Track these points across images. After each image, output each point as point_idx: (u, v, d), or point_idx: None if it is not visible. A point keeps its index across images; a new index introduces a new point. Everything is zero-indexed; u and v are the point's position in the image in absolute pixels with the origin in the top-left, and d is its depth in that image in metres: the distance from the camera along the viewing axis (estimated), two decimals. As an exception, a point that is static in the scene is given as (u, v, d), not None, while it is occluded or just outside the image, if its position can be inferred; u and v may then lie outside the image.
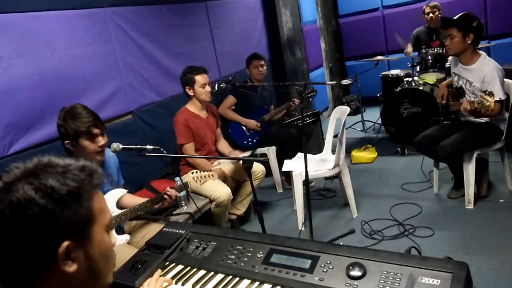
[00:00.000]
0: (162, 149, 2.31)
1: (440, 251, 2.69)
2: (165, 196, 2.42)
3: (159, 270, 1.51)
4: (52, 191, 0.75)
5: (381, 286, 1.21)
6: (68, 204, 0.77)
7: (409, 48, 5.05)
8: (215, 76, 4.38)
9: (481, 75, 2.99)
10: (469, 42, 3.02)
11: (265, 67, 4.20)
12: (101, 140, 2.21)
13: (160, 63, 3.75)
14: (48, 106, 2.72)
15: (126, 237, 2.31)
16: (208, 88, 3.30)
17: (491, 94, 2.76)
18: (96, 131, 2.18)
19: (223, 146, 3.60)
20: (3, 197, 0.74)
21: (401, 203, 3.47)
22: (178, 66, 3.80)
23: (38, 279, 0.77)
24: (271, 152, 4.11)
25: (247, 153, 3.81)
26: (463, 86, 3.16)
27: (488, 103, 2.72)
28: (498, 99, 2.90)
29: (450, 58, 3.52)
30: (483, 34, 3.27)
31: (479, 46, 3.20)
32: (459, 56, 3.14)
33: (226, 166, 3.38)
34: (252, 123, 4.06)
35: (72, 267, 0.77)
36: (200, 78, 3.28)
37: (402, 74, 5.15)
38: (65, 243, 0.76)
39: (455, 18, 3.09)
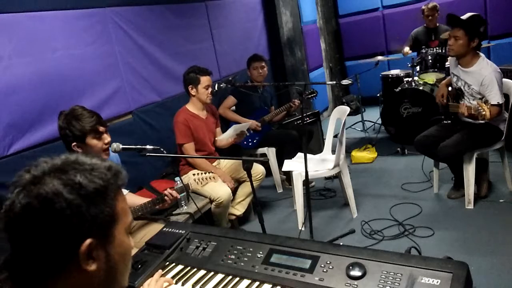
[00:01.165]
0: (162, 149, 2.31)
1: (440, 251, 2.69)
2: (165, 197, 2.42)
3: (160, 271, 1.50)
4: (80, 187, 0.76)
5: (381, 286, 1.21)
6: (94, 202, 0.77)
7: (405, 49, 5.07)
8: (215, 76, 4.36)
9: (479, 79, 2.98)
10: (473, 46, 3.00)
11: (265, 69, 4.20)
12: (107, 137, 2.23)
13: (160, 63, 3.75)
14: (48, 106, 2.73)
15: (126, 237, 2.31)
16: (210, 90, 3.31)
17: (487, 102, 2.76)
18: (101, 128, 2.20)
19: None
20: (31, 189, 0.74)
21: (401, 203, 3.47)
22: (178, 66, 3.80)
23: (57, 276, 0.76)
24: (270, 152, 4.11)
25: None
26: (462, 87, 3.15)
27: (484, 112, 2.71)
28: (496, 103, 2.89)
29: (450, 58, 3.51)
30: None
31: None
32: (459, 58, 3.12)
33: (228, 135, 3.45)
34: (252, 123, 4.06)
35: (92, 266, 0.77)
36: (204, 80, 3.28)
37: (402, 74, 5.15)
38: (88, 241, 0.76)
39: (463, 18, 3.01)
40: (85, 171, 0.78)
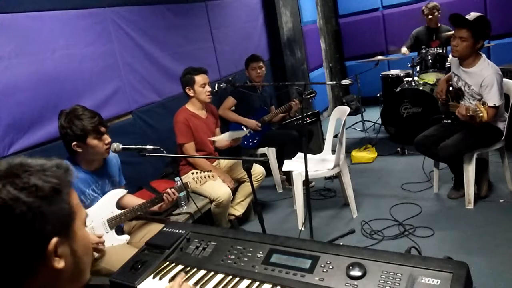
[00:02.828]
0: (162, 149, 2.31)
1: (440, 251, 2.69)
2: (164, 197, 2.41)
3: (183, 274, 1.43)
4: (36, 189, 0.76)
5: (381, 286, 1.21)
6: (53, 201, 0.77)
7: (403, 49, 5.09)
8: (215, 76, 4.38)
9: (479, 80, 2.97)
10: (477, 48, 2.97)
11: (264, 69, 4.20)
12: (107, 138, 2.23)
13: (160, 63, 3.75)
14: (48, 106, 2.72)
15: (126, 237, 2.31)
16: (208, 88, 3.30)
17: (485, 104, 2.75)
18: (103, 129, 2.21)
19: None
20: None
21: (401, 203, 3.47)
22: (178, 66, 3.80)
23: (26, 279, 0.76)
24: (270, 152, 4.11)
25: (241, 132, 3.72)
26: (462, 87, 3.15)
27: (481, 114, 2.70)
28: (493, 105, 2.87)
29: (450, 58, 3.50)
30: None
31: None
32: (462, 59, 3.09)
33: (223, 138, 3.40)
34: (252, 122, 4.06)
35: (60, 264, 0.78)
36: (199, 78, 3.28)
37: (402, 74, 5.15)
38: (54, 240, 0.76)
39: (469, 18, 2.95)
40: (37, 172, 0.78)
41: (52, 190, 0.78)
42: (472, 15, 2.98)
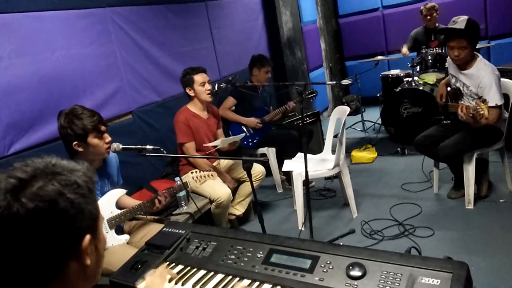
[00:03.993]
0: (162, 149, 2.31)
1: (440, 251, 2.69)
2: (156, 199, 2.40)
3: (165, 264, 1.46)
4: (77, 186, 0.79)
5: (381, 286, 1.21)
6: (88, 199, 0.81)
7: (403, 49, 5.08)
8: (215, 76, 4.38)
9: (477, 81, 2.98)
10: (475, 49, 3.01)
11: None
12: (108, 136, 2.24)
13: (160, 63, 3.76)
14: (48, 106, 2.73)
15: (125, 237, 2.31)
16: (207, 87, 3.30)
17: (485, 101, 2.76)
18: (103, 127, 2.21)
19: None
20: (28, 192, 0.74)
21: (401, 203, 3.47)
22: (178, 66, 3.80)
23: (57, 274, 0.77)
24: (270, 152, 4.11)
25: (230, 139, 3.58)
26: (460, 88, 3.15)
27: (482, 111, 2.71)
28: (495, 105, 2.88)
29: (448, 59, 3.50)
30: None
31: (477, 47, 3.17)
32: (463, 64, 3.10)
33: (217, 144, 3.35)
34: (252, 120, 4.07)
35: (88, 261, 0.80)
36: (198, 77, 3.28)
37: (402, 74, 5.15)
38: (88, 236, 0.79)
39: (459, 25, 2.97)
40: (74, 171, 0.81)
41: (88, 189, 0.81)
42: (459, 22, 2.99)
